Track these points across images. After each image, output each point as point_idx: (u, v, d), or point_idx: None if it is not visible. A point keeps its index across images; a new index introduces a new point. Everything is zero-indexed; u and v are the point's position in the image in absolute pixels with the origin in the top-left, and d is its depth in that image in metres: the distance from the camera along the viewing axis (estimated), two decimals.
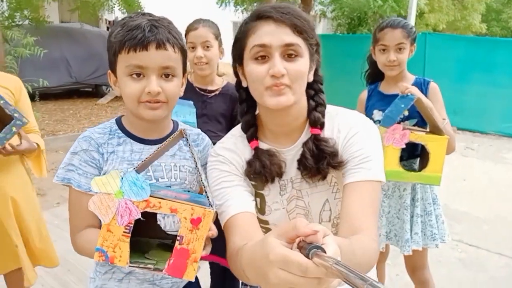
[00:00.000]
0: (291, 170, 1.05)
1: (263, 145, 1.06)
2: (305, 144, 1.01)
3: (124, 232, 0.85)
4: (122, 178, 0.86)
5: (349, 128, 1.01)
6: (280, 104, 0.93)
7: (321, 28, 15.71)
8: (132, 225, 0.85)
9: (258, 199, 1.08)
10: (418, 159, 1.96)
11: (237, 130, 1.11)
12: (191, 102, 1.87)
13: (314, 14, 11.87)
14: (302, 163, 1.01)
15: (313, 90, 1.04)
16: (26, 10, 7.20)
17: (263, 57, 0.92)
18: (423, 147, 1.77)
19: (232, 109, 2.02)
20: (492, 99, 7.19)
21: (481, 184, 4.73)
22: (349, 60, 7.96)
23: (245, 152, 1.06)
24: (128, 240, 0.85)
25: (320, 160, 0.99)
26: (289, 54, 0.91)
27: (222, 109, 2.01)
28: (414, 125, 1.92)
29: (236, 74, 1.05)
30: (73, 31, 9.46)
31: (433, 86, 1.92)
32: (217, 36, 1.97)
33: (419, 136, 1.75)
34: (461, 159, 5.66)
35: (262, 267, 0.58)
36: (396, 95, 1.82)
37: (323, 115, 1.03)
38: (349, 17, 11.70)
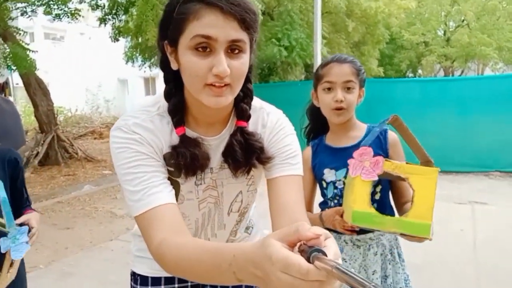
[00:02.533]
0: (213, 160, 1.02)
1: (188, 132, 0.98)
2: (233, 135, 1.00)
3: None
4: None
5: (274, 123, 1.04)
6: (219, 105, 0.89)
7: None
8: None
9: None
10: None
11: (151, 105, 0.99)
12: None
13: None
14: (230, 155, 0.99)
15: None
16: None
17: (204, 48, 0.84)
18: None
19: (11, 178, 1.56)
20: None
21: None
22: None
23: (165, 134, 0.97)
24: None
25: (249, 154, 0.99)
26: (233, 49, 0.86)
27: None
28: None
29: (162, 50, 0.94)
30: None
31: (393, 138, 1.53)
32: None
33: (398, 166, 1.24)
34: None
35: (264, 269, 0.56)
36: (348, 148, 1.48)
37: (250, 107, 1.02)
38: (259, 67, 11.99)
